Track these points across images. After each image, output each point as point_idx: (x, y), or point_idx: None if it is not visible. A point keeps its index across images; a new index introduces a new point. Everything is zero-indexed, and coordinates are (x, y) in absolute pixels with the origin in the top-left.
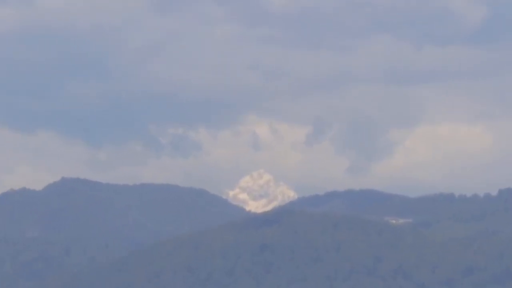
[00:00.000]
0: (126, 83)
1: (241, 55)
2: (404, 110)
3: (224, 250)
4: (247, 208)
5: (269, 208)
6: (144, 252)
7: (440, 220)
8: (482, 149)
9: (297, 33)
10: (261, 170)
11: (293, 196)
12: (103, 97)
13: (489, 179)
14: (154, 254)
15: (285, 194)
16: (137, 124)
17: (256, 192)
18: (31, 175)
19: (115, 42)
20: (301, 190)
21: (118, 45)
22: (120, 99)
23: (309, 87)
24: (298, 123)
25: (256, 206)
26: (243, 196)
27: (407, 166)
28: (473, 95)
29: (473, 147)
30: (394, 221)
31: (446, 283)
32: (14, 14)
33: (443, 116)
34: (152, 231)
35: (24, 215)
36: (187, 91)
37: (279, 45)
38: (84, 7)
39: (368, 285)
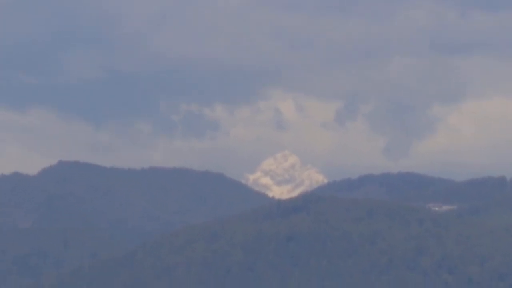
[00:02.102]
0: (132, 55)
1: (261, 22)
2: (448, 83)
3: (244, 242)
4: (270, 194)
5: (295, 194)
6: (153, 245)
7: (489, 206)
8: None
9: None
10: (286, 152)
11: (322, 181)
12: (105, 70)
13: None
14: (165, 248)
15: (313, 178)
16: (145, 101)
17: (280, 176)
18: (24, 158)
19: (119, 10)
20: (331, 174)
21: (122, 13)
22: (125, 73)
23: (340, 58)
24: (327, 99)
25: (280, 192)
26: (265, 180)
27: (451, 146)
28: None
29: None
30: (437, 208)
31: (498, 278)
32: None
33: (492, 90)
34: (162, 221)
35: (16, 204)
36: (202, 64)
37: (305, 10)
38: None
39: (408, 280)
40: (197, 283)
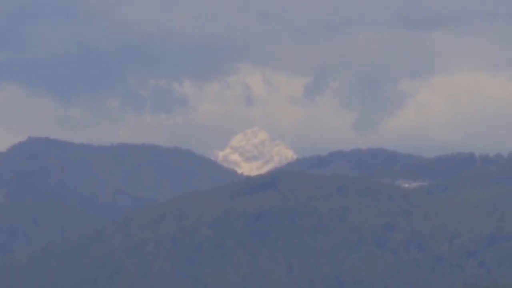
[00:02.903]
0: (101, 28)
1: None
2: (416, 57)
3: (213, 219)
4: (239, 171)
5: (264, 170)
6: (123, 221)
7: (458, 183)
8: (506, 102)
9: None
10: (255, 128)
11: (292, 157)
12: (73, 44)
13: None
14: (134, 224)
15: (283, 154)
16: (114, 75)
17: (250, 153)
18: None
19: None
20: (301, 150)
21: None
22: (93, 46)
23: (309, 31)
24: (296, 73)
25: (249, 169)
26: (234, 157)
27: (421, 122)
28: (496, 41)
29: (496, 100)
30: (407, 185)
31: (466, 255)
32: None
33: (461, 65)
34: (131, 197)
35: None
36: (171, 38)
37: None
38: None
39: (377, 257)
40: (166, 259)
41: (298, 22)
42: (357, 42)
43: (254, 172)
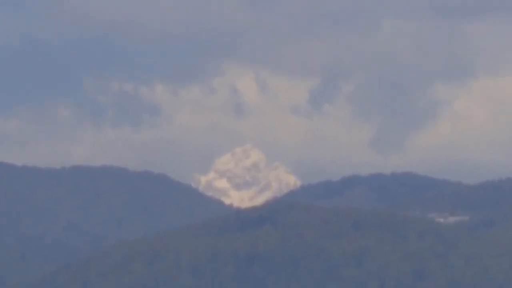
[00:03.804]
0: (48, 18)
1: None
2: (454, 56)
3: (194, 262)
4: (228, 201)
5: (259, 201)
6: (79, 266)
7: (509, 217)
8: None
9: None
10: (247, 146)
11: (295, 184)
12: (15, 38)
13: None
14: (93, 270)
15: (283, 180)
16: (66, 77)
17: (240, 178)
18: None
19: None
20: (306, 175)
21: None
22: (39, 41)
23: (315, 22)
24: (299, 75)
25: (240, 199)
26: (221, 183)
27: (459, 138)
28: None
29: None
30: (442, 219)
31: None
32: None
33: (508, 62)
34: (89, 235)
35: None
36: (138, 31)
37: None
38: None
39: None
40: None
41: (300, 11)
42: (377, 36)
43: (246, 203)
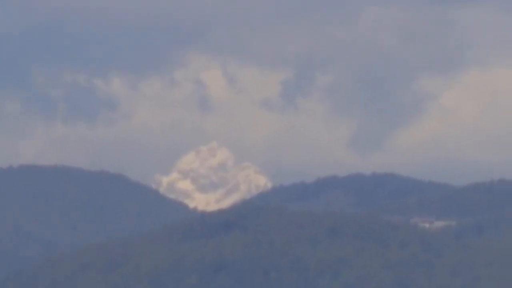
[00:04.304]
0: None
1: None
2: (441, 45)
3: (155, 270)
4: (192, 204)
5: (227, 204)
6: (30, 275)
7: (499, 223)
8: None
9: None
10: (213, 143)
11: (266, 185)
12: None
13: None
14: (45, 279)
15: (253, 181)
16: (13, 68)
17: (206, 179)
18: None
19: None
20: (278, 176)
21: None
22: None
23: (289, 8)
24: (270, 66)
25: (206, 201)
26: (184, 184)
27: (446, 135)
28: None
29: None
30: (427, 225)
31: None
32: None
33: (502, 55)
34: (40, 242)
35: None
36: (92, 17)
37: None
38: None
39: None
40: None
41: None
42: (357, 23)
43: (212, 207)
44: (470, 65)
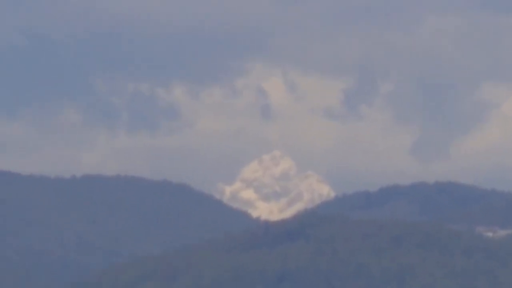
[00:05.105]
0: (56, 13)
1: None
2: (504, 53)
3: (218, 280)
4: (255, 213)
5: (290, 213)
6: (90, 285)
7: None
8: None
9: None
10: (276, 152)
11: (329, 194)
12: (18, 35)
13: None
14: (107, 287)
15: (316, 190)
16: (75, 78)
17: (269, 188)
18: None
19: None
20: (341, 185)
21: None
22: (46, 38)
23: (350, 16)
24: (331, 74)
25: (269, 210)
26: (247, 194)
27: (508, 143)
28: None
29: None
30: (491, 234)
31: None
32: None
33: None
34: (102, 251)
35: None
36: (153, 27)
37: None
38: None
39: None
40: None
41: (333, 4)
42: (419, 31)
43: (275, 216)
44: None
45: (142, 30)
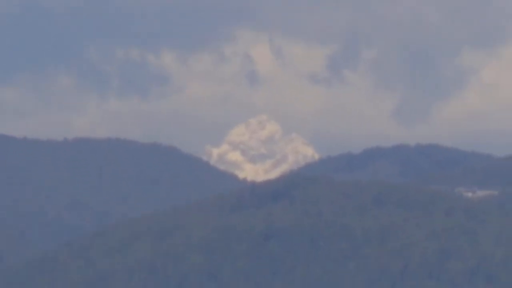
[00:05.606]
0: None
1: None
2: (483, 20)
3: (205, 240)
4: (241, 175)
5: (275, 174)
6: (81, 245)
7: None
8: None
9: None
10: (262, 116)
11: (313, 156)
12: (13, 5)
13: None
14: (97, 248)
15: (300, 152)
16: (67, 44)
17: (255, 151)
18: None
19: None
20: (325, 147)
21: None
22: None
23: None
24: (316, 41)
25: (255, 172)
26: (234, 156)
27: (488, 108)
28: None
29: None
30: (470, 194)
31: None
32: None
33: None
34: (93, 212)
35: None
36: None
37: None
38: None
39: None
40: None
41: None
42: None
43: (261, 177)
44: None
45: None
